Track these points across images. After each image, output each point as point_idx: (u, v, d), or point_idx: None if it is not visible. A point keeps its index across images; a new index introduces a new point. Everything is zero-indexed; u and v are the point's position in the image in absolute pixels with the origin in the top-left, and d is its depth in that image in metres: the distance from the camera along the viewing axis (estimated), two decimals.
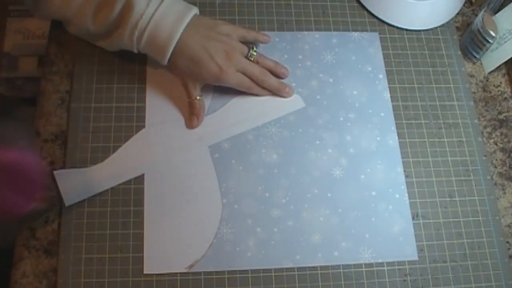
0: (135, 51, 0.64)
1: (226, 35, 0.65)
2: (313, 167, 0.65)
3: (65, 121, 0.65)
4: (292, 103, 0.69)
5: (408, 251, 0.62)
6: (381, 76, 0.71)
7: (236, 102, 0.67)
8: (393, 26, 0.75)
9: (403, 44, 0.74)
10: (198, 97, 0.65)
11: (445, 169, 0.67)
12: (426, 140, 0.69)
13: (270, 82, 0.67)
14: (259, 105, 0.68)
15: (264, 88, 0.67)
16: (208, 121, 0.66)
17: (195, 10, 0.64)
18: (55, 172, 0.60)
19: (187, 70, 0.64)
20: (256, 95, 0.67)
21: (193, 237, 0.60)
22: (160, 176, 0.62)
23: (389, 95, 0.70)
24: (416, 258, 0.62)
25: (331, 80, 0.70)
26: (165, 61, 0.63)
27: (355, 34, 0.74)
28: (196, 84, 0.65)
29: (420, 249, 0.62)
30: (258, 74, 0.66)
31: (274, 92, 0.68)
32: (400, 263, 0.61)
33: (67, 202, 0.59)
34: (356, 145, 0.67)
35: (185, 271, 0.58)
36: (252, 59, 0.66)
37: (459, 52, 0.75)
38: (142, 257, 0.58)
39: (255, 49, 0.67)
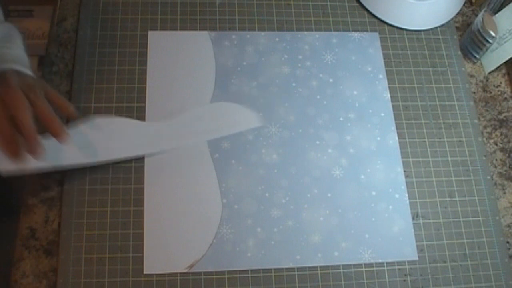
0: None
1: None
2: (313, 167, 0.65)
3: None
4: (248, 121, 0.67)
5: (408, 251, 0.62)
6: (381, 76, 0.71)
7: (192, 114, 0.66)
8: (393, 26, 0.75)
9: (403, 44, 0.74)
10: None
11: (445, 169, 0.67)
12: (426, 140, 0.69)
13: (24, 118, 0.50)
14: (214, 120, 0.66)
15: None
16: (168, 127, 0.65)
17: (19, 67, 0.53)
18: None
19: None
20: None
21: (193, 237, 0.60)
22: (160, 176, 0.62)
23: (389, 95, 0.70)
24: (416, 258, 0.62)
25: (331, 80, 0.70)
26: None
27: (355, 34, 0.74)
28: None
29: (420, 249, 0.62)
30: (14, 98, 0.50)
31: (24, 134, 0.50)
32: (400, 263, 0.61)
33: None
34: (356, 145, 0.67)
35: (185, 271, 0.58)
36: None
37: (459, 52, 0.75)
38: (142, 257, 0.58)
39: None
